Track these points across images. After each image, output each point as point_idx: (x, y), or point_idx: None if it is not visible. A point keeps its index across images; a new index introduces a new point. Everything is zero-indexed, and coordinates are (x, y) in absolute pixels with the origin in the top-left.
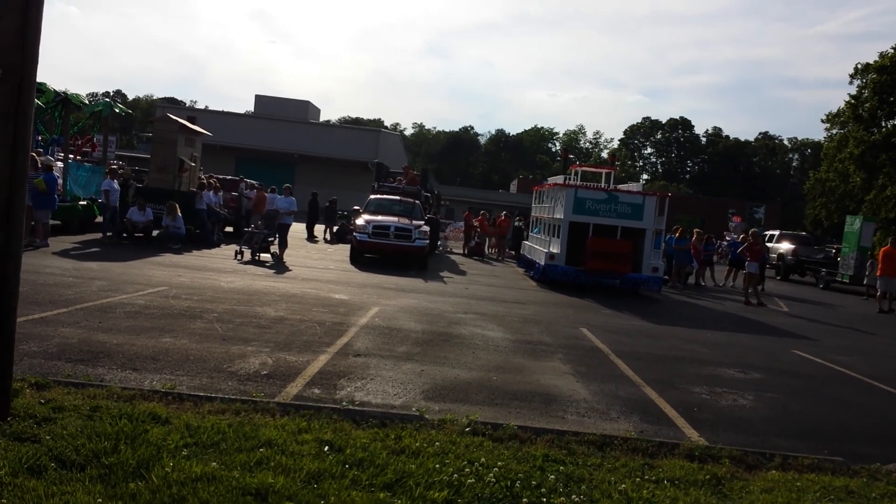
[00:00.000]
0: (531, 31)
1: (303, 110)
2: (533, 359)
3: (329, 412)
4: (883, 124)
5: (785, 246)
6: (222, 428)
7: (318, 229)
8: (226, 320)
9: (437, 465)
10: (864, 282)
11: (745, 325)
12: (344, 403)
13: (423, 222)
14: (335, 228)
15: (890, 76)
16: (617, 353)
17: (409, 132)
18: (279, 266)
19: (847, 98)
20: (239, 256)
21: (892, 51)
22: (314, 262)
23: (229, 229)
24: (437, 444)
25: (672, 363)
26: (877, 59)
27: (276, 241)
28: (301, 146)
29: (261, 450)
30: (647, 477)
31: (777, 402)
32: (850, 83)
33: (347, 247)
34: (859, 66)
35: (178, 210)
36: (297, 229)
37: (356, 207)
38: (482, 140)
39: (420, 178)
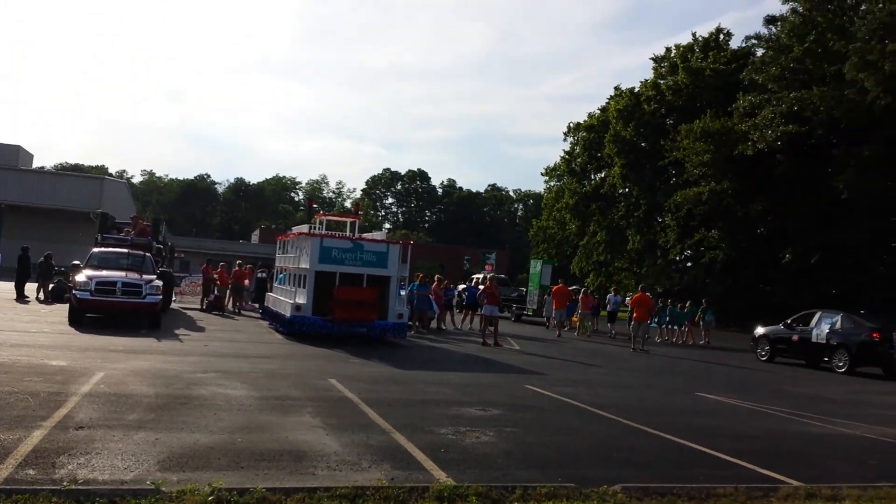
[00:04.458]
0: (272, 80)
1: (13, 155)
2: (280, 415)
3: (47, 495)
4: (592, 177)
5: None
6: None
7: (30, 288)
8: None
9: None
10: (543, 314)
11: (484, 365)
12: (65, 483)
13: (154, 276)
14: (51, 287)
15: (597, 134)
16: (366, 402)
17: (137, 180)
18: None
19: (562, 153)
20: None
21: (598, 112)
22: (25, 325)
23: None
24: None
25: (419, 407)
26: (586, 118)
27: None
28: (10, 195)
29: None
30: None
31: (515, 436)
32: (565, 140)
33: (66, 307)
34: (571, 125)
35: None
36: (5, 289)
37: (76, 262)
38: (220, 189)
39: (151, 229)
